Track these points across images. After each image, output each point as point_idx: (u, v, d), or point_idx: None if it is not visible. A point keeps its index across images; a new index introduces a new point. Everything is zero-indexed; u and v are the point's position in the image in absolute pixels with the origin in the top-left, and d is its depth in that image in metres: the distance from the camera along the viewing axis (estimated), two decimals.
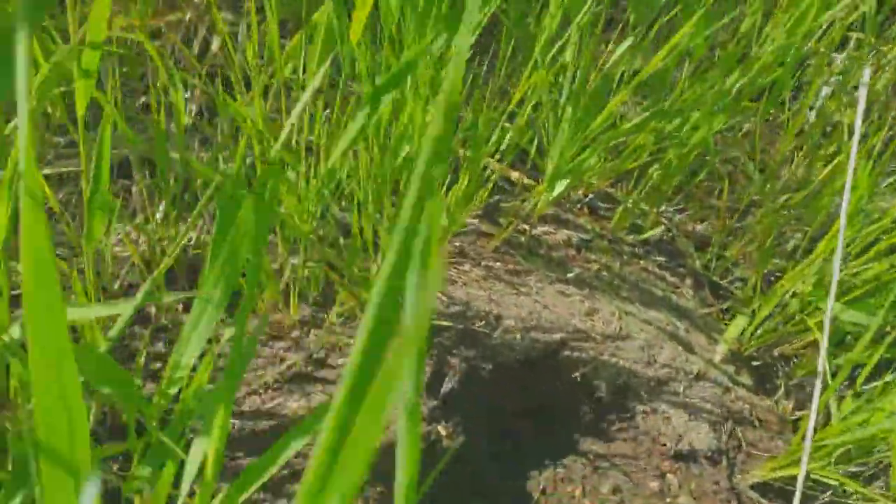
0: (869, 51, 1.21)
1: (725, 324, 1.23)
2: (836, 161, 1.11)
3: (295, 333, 1.06)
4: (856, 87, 1.22)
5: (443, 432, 0.97)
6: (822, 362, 0.95)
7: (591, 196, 1.36)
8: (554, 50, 1.00)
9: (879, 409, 0.94)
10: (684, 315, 1.20)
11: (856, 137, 0.93)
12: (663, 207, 1.37)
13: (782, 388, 1.20)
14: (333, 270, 0.98)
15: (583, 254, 1.24)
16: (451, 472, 0.98)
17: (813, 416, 0.92)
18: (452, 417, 0.98)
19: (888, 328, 1.04)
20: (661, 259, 1.30)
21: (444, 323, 1.06)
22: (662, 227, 1.34)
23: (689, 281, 1.29)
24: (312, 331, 1.06)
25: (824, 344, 0.95)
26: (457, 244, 1.19)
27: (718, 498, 1.00)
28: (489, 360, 1.02)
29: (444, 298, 1.10)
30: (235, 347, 0.51)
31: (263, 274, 0.99)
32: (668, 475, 1.03)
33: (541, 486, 1.04)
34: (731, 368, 1.14)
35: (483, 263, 1.17)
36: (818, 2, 1.14)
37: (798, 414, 1.20)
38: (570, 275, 1.18)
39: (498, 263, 1.18)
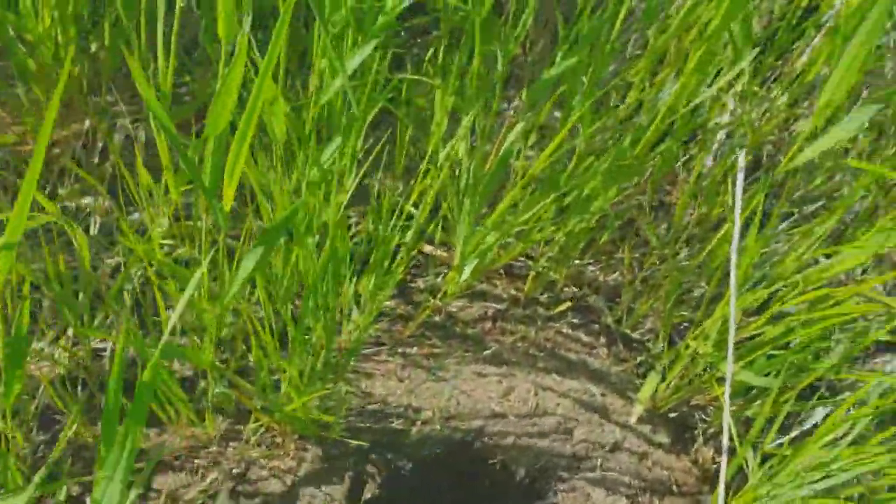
0: (751, 104, 1.26)
1: (640, 381, 1.27)
2: (724, 228, 1.15)
3: (213, 448, 1.05)
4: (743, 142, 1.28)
5: None
6: (725, 431, 0.99)
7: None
8: (447, 148, 1.02)
9: (789, 470, 0.99)
10: (600, 378, 1.23)
11: (737, 212, 0.97)
12: (574, 263, 1.41)
13: (700, 438, 1.25)
14: (242, 392, 0.98)
15: (498, 325, 1.27)
16: None
17: (722, 488, 0.97)
18: None
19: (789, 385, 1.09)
20: (574, 320, 1.33)
21: (362, 425, 1.06)
22: (574, 290, 1.37)
23: (602, 339, 1.32)
24: (230, 444, 1.06)
25: (727, 415, 0.99)
26: (373, 332, 1.20)
27: None
28: (409, 458, 1.03)
29: (361, 396, 1.10)
30: None
31: (176, 399, 0.98)
32: None
33: None
34: (647, 428, 1.18)
35: (400, 350, 1.18)
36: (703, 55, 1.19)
37: (719, 461, 1.25)
38: (486, 352, 1.20)
39: (415, 349, 1.19)
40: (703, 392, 1.26)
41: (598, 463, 1.09)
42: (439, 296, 1.20)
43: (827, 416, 1.10)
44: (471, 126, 1.05)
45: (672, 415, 1.26)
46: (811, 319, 1.00)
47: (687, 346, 1.16)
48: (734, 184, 1.10)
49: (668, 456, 1.15)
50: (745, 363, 1.10)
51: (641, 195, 1.37)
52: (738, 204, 0.90)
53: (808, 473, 0.95)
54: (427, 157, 1.02)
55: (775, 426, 1.01)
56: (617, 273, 1.43)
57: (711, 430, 1.28)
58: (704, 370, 1.18)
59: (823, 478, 0.92)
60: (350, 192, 1.00)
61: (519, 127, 1.06)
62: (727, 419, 0.99)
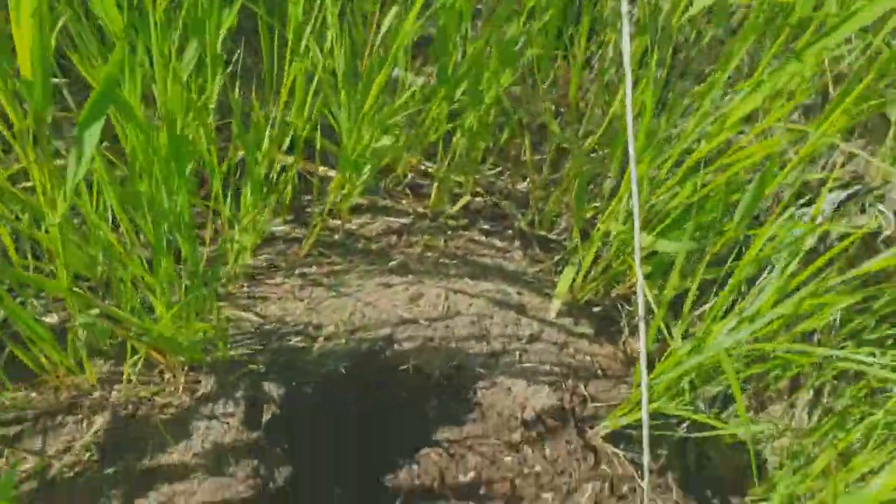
0: None
1: (558, 280, 1.21)
2: (619, 93, 1.10)
3: (97, 394, 0.95)
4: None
5: (274, 467, 0.89)
6: (640, 297, 0.94)
7: (409, 177, 1.31)
8: (306, 37, 0.93)
9: (707, 336, 0.94)
10: (515, 279, 1.17)
11: (627, 67, 0.91)
12: (480, 176, 1.34)
13: (626, 330, 1.20)
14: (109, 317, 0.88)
15: (404, 238, 1.19)
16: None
17: (643, 354, 0.91)
18: (280, 445, 0.90)
19: (706, 251, 1.04)
20: (486, 226, 1.27)
21: (259, 347, 0.98)
22: (484, 196, 1.30)
23: (517, 242, 1.26)
24: (115, 388, 0.96)
25: (640, 280, 0.94)
26: (265, 257, 1.11)
27: (574, 458, 0.98)
28: (311, 376, 0.95)
29: (256, 319, 1.02)
30: None
31: (47, 346, 0.88)
32: (522, 446, 1.00)
33: (400, 490, 0.98)
34: (568, 321, 1.13)
35: (298, 272, 1.09)
36: None
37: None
38: (392, 263, 1.12)
39: (313, 268, 1.10)
40: (622, 281, 1.21)
41: (517, 356, 1.02)
42: (331, 206, 1.12)
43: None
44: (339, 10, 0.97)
45: (595, 309, 1.20)
46: (718, 170, 0.95)
47: (598, 230, 1.10)
48: (621, 32, 1.04)
49: (592, 345, 1.10)
50: (658, 230, 1.05)
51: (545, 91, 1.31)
52: (627, 46, 0.84)
53: (731, 327, 0.90)
54: (289, 47, 0.93)
55: (690, 292, 0.96)
56: (527, 181, 1.37)
57: (635, 321, 1.24)
58: (618, 255, 1.13)
59: (747, 323, 0.87)
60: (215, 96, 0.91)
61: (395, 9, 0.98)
62: (641, 283, 0.94)
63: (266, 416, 0.90)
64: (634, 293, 1.26)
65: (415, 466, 1.00)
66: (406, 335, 1.01)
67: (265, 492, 0.87)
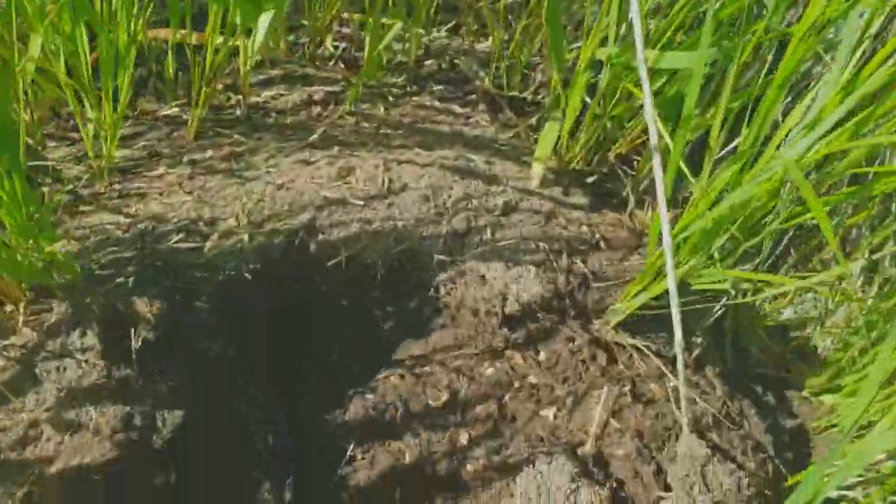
0: None
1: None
2: None
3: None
4: None
5: (155, 412, 0.63)
6: (651, 124, 0.67)
7: (341, 46, 1.02)
8: None
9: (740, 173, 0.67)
10: (481, 146, 0.90)
11: None
12: (428, 37, 1.05)
13: (631, 199, 0.93)
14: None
15: (331, 109, 0.91)
16: None
17: (662, 201, 0.64)
18: (161, 382, 0.64)
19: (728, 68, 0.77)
20: (440, 90, 0.98)
21: (123, 256, 0.70)
22: (437, 63, 1.02)
23: (481, 106, 0.98)
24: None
25: (649, 105, 0.67)
26: (143, 145, 0.83)
27: (578, 358, 0.72)
28: (204, 284, 0.68)
29: (123, 222, 0.74)
30: None
31: None
32: (509, 351, 0.73)
33: (352, 430, 0.73)
34: (556, 191, 0.86)
35: (186, 159, 0.82)
36: None
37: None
38: (313, 137, 0.85)
39: (208, 153, 0.83)
40: (621, 134, 0.93)
41: (489, 233, 0.75)
42: (215, 72, 0.83)
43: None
44: None
45: (588, 180, 0.93)
46: None
47: (581, 64, 0.82)
48: None
49: (589, 214, 0.83)
50: (658, 47, 0.77)
51: None
52: None
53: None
54: None
55: (717, 118, 0.69)
56: (489, 40, 1.08)
57: (643, 188, 0.97)
58: (613, 91, 0.85)
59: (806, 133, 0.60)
60: None
61: None
62: (650, 108, 0.66)
63: (136, 344, 0.63)
64: (637, 152, 0.98)
65: (369, 396, 0.74)
66: (334, 220, 0.74)
67: (145, 446, 0.61)
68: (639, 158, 0.97)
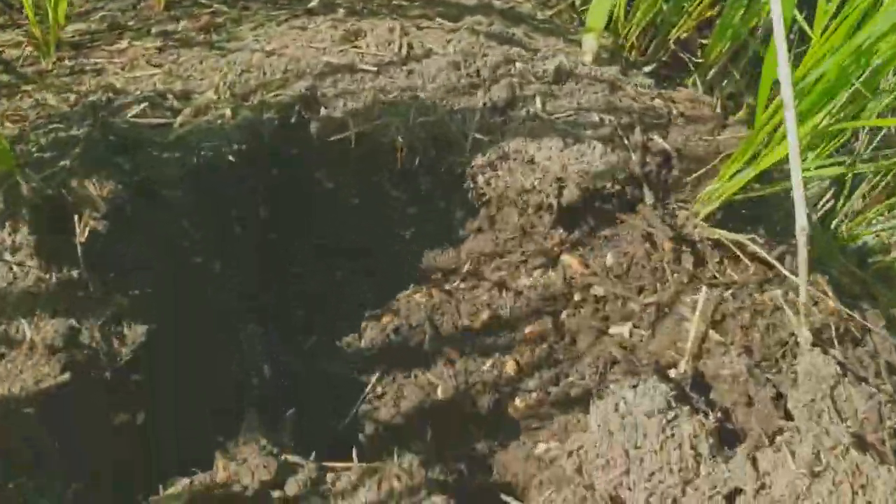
0: None
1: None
2: None
3: None
4: None
5: (112, 326, 0.48)
6: None
7: None
8: None
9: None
10: (518, 20, 0.73)
11: None
12: None
13: (699, 86, 0.76)
14: None
15: None
16: None
17: (780, 33, 0.47)
18: (120, 291, 0.49)
19: None
20: None
21: (73, 132, 0.54)
22: None
23: None
24: None
25: None
26: (104, 15, 0.67)
27: (660, 261, 0.56)
28: (169, 168, 0.53)
29: (74, 99, 0.58)
30: None
31: None
32: (563, 257, 0.57)
33: (372, 366, 0.57)
34: (612, 70, 0.69)
35: (156, 30, 0.65)
36: None
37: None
38: (312, 3, 0.68)
39: (181, 24, 0.66)
40: (686, 11, 0.76)
41: (537, 104, 0.59)
42: None
43: None
44: None
45: (647, 69, 0.75)
46: None
47: None
48: None
49: (658, 90, 0.66)
50: None
51: None
52: None
53: None
54: None
55: None
56: None
57: (712, 75, 0.79)
58: None
59: None
60: None
61: None
62: None
63: (82, 238, 0.48)
64: (701, 34, 0.81)
65: (388, 318, 0.59)
66: (339, 89, 0.57)
67: (96, 370, 0.46)
68: (705, 42, 0.79)
